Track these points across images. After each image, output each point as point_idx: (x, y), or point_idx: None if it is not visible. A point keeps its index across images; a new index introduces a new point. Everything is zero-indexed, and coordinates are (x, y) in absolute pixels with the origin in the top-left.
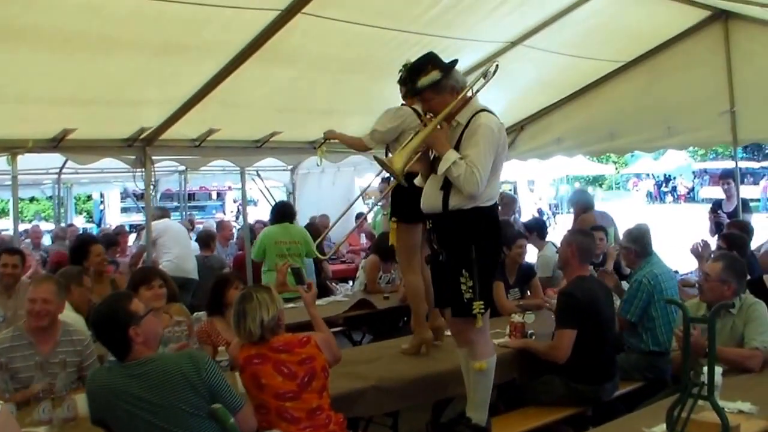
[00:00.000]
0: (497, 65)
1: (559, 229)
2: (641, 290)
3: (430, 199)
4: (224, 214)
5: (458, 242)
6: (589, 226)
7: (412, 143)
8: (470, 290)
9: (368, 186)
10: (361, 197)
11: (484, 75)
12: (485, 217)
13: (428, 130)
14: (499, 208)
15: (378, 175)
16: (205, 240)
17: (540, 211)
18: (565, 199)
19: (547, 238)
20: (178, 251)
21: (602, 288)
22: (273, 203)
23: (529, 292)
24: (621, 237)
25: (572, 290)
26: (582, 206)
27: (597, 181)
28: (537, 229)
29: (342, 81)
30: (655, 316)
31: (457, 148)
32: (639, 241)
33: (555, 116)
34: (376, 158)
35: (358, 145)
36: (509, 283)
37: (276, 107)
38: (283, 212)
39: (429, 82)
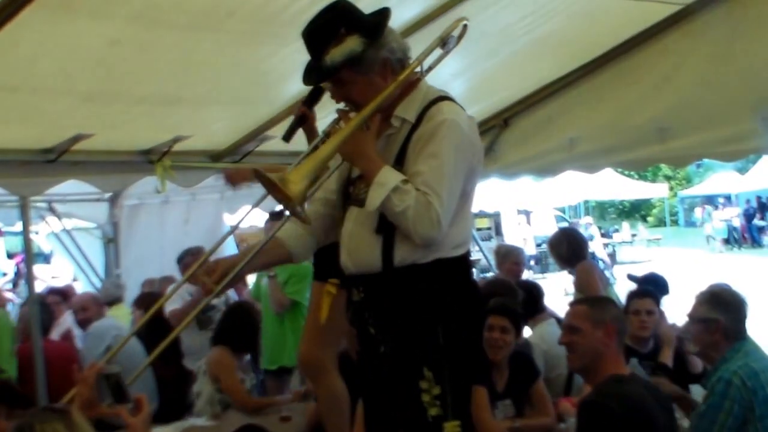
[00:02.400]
0: (466, 24)
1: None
2: (730, 398)
3: (360, 250)
4: None
5: (414, 322)
6: (591, 286)
7: (318, 154)
8: (436, 402)
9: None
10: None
11: (444, 42)
12: (456, 275)
13: (344, 132)
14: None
15: (256, 205)
16: None
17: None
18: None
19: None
20: None
21: (656, 396)
22: (80, 257)
23: (530, 404)
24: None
25: (604, 399)
26: (575, 252)
27: (638, 209)
28: (531, 295)
29: (196, 45)
30: None
31: (399, 161)
32: (730, 311)
33: (564, 102)
34: (257, 173)
35: None
36: (496, 390)
37: (81, 92)
38: None
39: (344, 57)
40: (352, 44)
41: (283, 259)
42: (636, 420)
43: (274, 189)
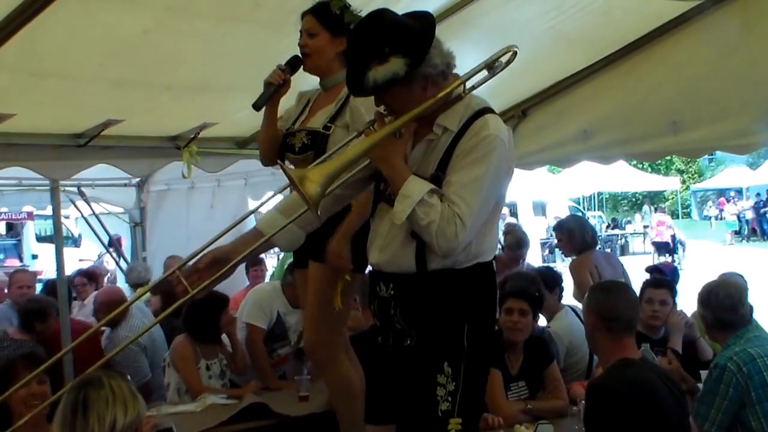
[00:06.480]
0: (515, 52)
1: None
2: (725, 382)
3: (394, 252)
4: (20, 260)
5: (443, 320)
6: (584, 274)
7: (345, 155)
8: (449, 398)
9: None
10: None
11: (490, 66)
12: (485, 277)
13: (375, 137)
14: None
15: (280, 192)
16: None
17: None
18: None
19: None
20: None
21: (663, 380)
22: (107, 239)
23: (544, 386)
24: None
25: (609, 382)
26: (578, 242)
27: (651, 202)
28: (553, 287)
29: (224, 34)
30: (756, 427)
31: (441, 169)
32: (710, 307)
33: (580, 94)
34: (282, 166)
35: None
36: (511, 373)
37: (112, 78)
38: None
39: (386, 79)
40: (395, 67)
41: (264, 248)
42: (642, 403)
43: (294, 185)
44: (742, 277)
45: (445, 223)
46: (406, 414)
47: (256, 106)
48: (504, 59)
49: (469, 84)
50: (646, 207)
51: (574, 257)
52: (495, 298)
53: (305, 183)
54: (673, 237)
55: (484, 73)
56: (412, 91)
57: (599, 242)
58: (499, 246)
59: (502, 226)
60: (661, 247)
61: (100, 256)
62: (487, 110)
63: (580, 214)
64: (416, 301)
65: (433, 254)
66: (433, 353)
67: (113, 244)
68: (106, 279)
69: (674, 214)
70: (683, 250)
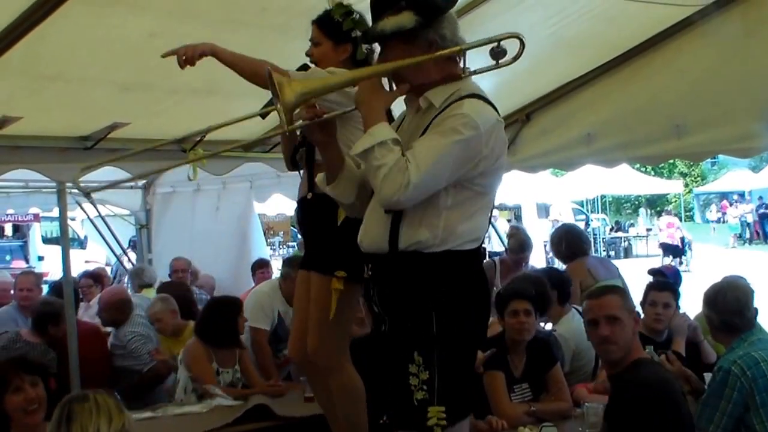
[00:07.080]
0: (523, 43)
1: None
2: (730, 386)
3: (372, 230)
4: (26, 262)
5: (410, 307)
6: (580, 280)
7: (331, 79)
8: (423, 387)
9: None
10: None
11: (494, 53)
12: (462, 268)
13: (362, 72)
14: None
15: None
16: None
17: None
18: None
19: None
20: None
21: (675, 381)
22: (115, 242)
23: (547, 388)
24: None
25: (635, 378)
26: (570, 249)
27: (654, 205)
28: (559, 287)
29: (230, 38)
30: (760, 430)
31: None
32: (717, 308)
33: (583, 98)
34: (269, 74)
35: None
36: (514, 375)
37: (119, 82)
38: None
39: (393, 30)
40: (404, 20)
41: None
42: (663, 401)
43: (273, 85)
44: (746, 280)
45: (396, 171)
46: (387, 403)
47: (262, 116)
48: (506, 45)
49: (475, 67)
50: (642, 210)
51: (567, 264)
52: (475, 290)
53: (284, 89)
54: (682, 239)
55: (489, 63)
56: (412, 51)
57: (603, 245)
58: (503, 249)
59: (504, 229)
60: (668, 249)
61: (117, 258)
62: (474, 95)
63: (583, 216)
64: (388, 283)
65: (404, 232)
66: (402, 341)
67: (132, 245)
68: (125, 280)
69: (677, 218)
70: (691, 252)
